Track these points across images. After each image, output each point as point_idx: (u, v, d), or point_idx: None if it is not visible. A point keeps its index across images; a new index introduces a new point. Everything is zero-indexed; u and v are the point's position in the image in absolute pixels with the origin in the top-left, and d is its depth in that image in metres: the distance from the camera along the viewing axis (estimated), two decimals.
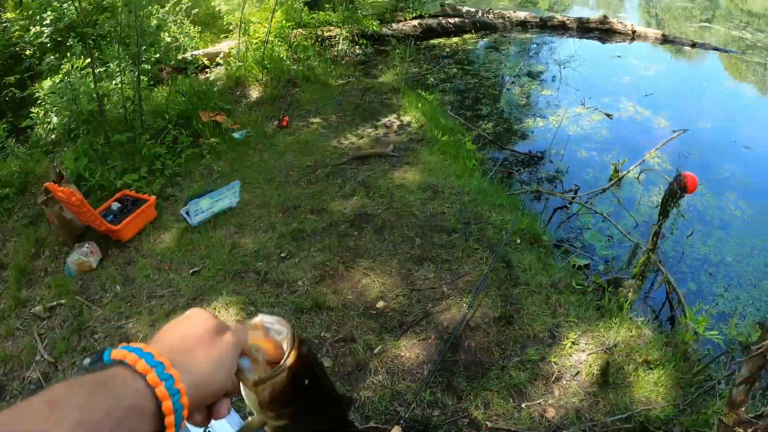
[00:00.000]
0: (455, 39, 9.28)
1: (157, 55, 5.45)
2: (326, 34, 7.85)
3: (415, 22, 9.36)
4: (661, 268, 3.25)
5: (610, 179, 4.55)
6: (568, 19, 10.20)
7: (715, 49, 9.34)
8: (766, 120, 6.54)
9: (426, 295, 2.96)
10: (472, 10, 10.34)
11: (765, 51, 10.05)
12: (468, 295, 2.90)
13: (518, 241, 3.32)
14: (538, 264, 3.16)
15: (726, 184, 4.78)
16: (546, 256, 3.29)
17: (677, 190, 2.80)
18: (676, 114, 6.10)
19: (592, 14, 10.75)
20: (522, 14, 10.46)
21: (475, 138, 5.14)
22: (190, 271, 3.27)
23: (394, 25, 9.13)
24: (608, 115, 5.89)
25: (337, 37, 7.77)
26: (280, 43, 6.88)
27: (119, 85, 4.77)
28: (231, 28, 7.30)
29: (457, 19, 9.86)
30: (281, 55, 6.61)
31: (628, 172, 4.69)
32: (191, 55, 6.55)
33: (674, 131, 5.48)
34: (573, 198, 4.23)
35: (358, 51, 7.98)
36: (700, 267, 3.72)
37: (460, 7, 10.38)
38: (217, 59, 6.80)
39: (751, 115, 6.62)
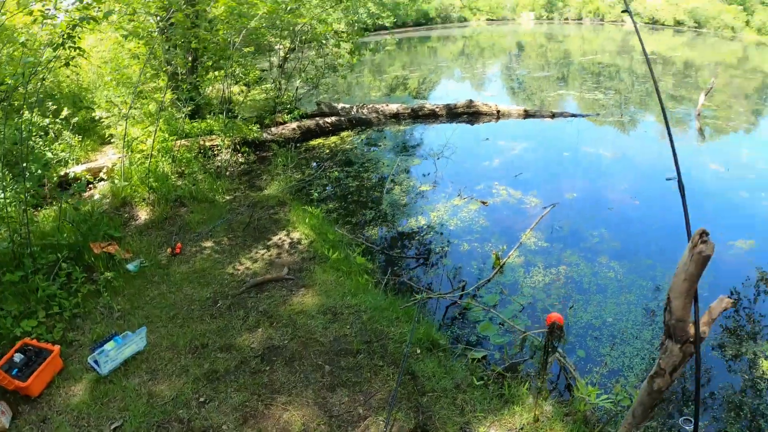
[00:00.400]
0: (333, 138, 9.80)
1: (39, 172, 5.32)
2: (208, 144, 7.97)
3: (294, 125, 9.83)
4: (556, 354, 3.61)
5: (493, 267, 4.97)
6: (437, 107, 11.14)
7: (573, 115, 10.55)
8: (621, 178, 7.42)
9: (345, 420, 3.08)
10: (347, 106, 11.01)
11: (616, 108, 11.44)
12: (383, 413, 3.07)
13: (418, 351, 3.56)
14: (440, 369, 3.40)
15: (597, 250, 5.36)
16: (446, 359, 3.54)
17: (554, 332, 3.20)
18: (545, 190, 6.75)
19: (460, 90, 11.72)
20: (394, 106, 11.28)
21: (364, 250, 5.39)
22: (112, 428, 3.19)
23: (274, 129, 9.54)
24: (483, 203, 6.43)
25: (220, 147, 7.90)
26: (163, 157, 6.88)
27: (3, 215, 4.58)
28: (112, 140, 7.21)
29: (333, 118, 10.45)
30: (166, 171, 6.63)
31: (509, 257, 5.15)
32: (73, 172, 6.43)
33: (545, 207, 6.09)
34: (461, 295, 4.55)
35: (241, 160, 8.16)
36: (585, 334, 4.11)
37: (336, 104, 11.00)
38: (101, 174, 6.71)
39: (609, 175, 7.51)
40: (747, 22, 57.71)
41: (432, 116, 11.10)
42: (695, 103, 12.14)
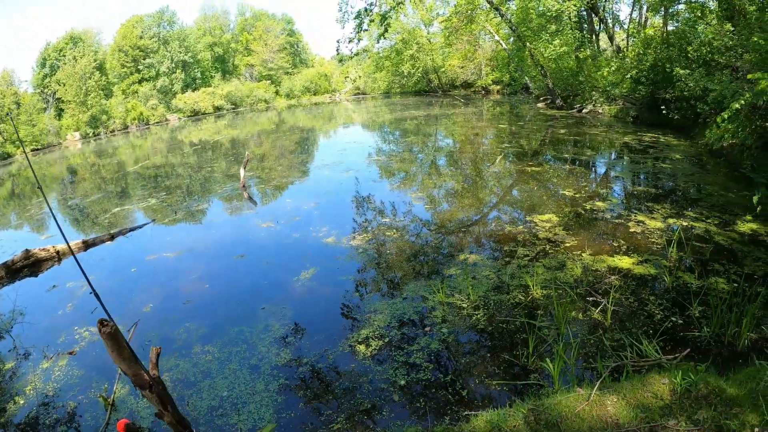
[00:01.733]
0: None
1: None
2: None
3: None
4: None
5: (106, 410, 4.96)
6: None
7: (132, 229, 10.84)
8: (190, 271, 8.17)
9: None
10: None
11: (181, 202, 12.21)
12: None
13: None
14: None
15: (189, 343, 5.89)
16: None
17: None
18: (121, 314, 6.81)
19: (17, 238, 10.77)
20: None
21: None
22: None
23: None
24: (71, 353, 6.23)
25: None
26: None
27: None
28: None
29: None
30: None
31: (115, 393, 5.21)
32: None
33: (128, 330, 6.29)
34: None
35: None
36: (212, 417, 4.59)
37: None
38: None
39: (178, 273, 8.18)
40: (276, 92, 68.41)
41: None
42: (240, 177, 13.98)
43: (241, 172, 14.12)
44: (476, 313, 5.91)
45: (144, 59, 62.11)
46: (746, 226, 7.80)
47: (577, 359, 4.86)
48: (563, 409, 3.85)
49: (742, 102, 9.45)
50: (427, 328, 5.67)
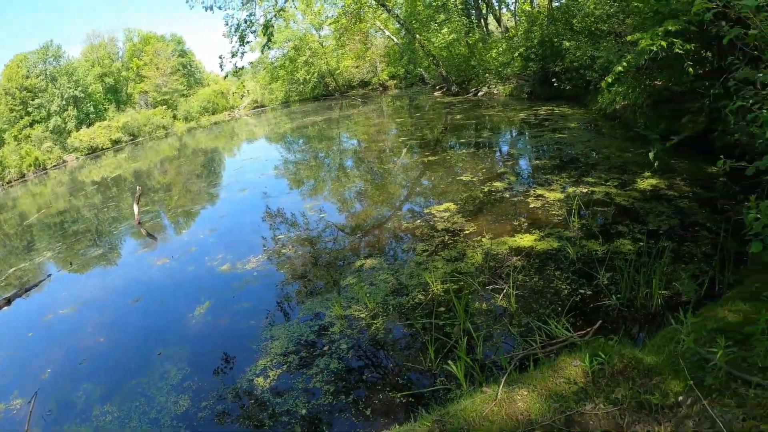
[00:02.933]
0: None
1: None
2: None
3: None
4: None
5: None
6: None
7: (27, 289, 9.71)
8: (83, 325, 7.49)
9: None
10: None
11: (81, 246, 11.07)
12: None
13: None
14: None
15: (87, 405, 5.28)
16: None
17: None
18: (19, 387, 6.15)
19: None
20: None
21: None
22: None
23: None
24: None
25: None
26: None
27: None
28: None
29: None
30: None
31: None
32: None
33: (29, 402, 5.60)
34: None
35: None
36: None
37: None
38: None
39: (73, 331, 7.48)
40: (174, 116, 66.01)
41: None
42: (144, 212, 13.01)
43: (135, 208, 13.11)
44: (375, 322, 5.44)
45: (33, 100, 58.34)
46: (646, 182, 7.78)
47: (484, 354, 4.45)
48: (470, 414, 3.43)
49: (624, 64, 9.59)
50: (159, 353, 5.62)
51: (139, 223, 12.67)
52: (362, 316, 5.61)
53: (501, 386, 3.57)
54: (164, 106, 67.21)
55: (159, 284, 8.48)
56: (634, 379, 3.40)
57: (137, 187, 14.17)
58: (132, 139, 59.84)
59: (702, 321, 3.85)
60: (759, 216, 3.34)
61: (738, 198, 6.59)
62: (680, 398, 3.13)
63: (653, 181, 7.76)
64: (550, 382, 3.54)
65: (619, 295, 4.88)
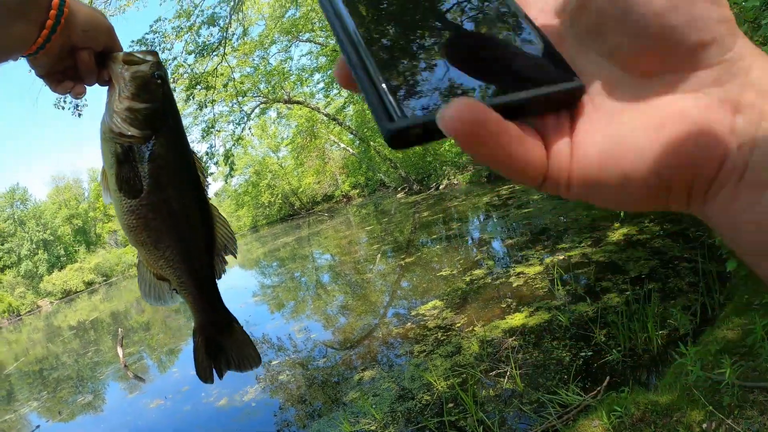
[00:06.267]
0: None
1: None
2: None
3: None
4: None
5: None
6: None
7: None
8: None
9: None
10: None
11: (66, 394, 10.72)
12: None
13: None
14: None
15: None
16: None
17: None
18: None
19: None
20: None
21: None
22: None
23: None
24: None
25: None
26: None
27: None
28: None
29: None
30: None
31: None
32: None
33: None
34: None
35: None
36: None
37: None
38: None
39: None
40: None
41: None
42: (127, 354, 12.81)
43: (119, 351, 12.88)
44: (387, 431, 5.37)
45: (2, 244, 57.82)
46: (617, 234, 8.11)
47: None
48: None
49: None
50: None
51: (125, 365, 12.42)
52: (373, 428, 5.54)
53: None
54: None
55: (157, 428, 8.19)
56: (655, 422, 3.47)
57: (119, 330, 13.98)
58: (105, 280, 59.30)
59: (704, 347, 4.00)
60: None
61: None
62: (704, 426, 3.22)
63: (624, 230, 8.09)
64: None
65: (619, 348, 4.98)
